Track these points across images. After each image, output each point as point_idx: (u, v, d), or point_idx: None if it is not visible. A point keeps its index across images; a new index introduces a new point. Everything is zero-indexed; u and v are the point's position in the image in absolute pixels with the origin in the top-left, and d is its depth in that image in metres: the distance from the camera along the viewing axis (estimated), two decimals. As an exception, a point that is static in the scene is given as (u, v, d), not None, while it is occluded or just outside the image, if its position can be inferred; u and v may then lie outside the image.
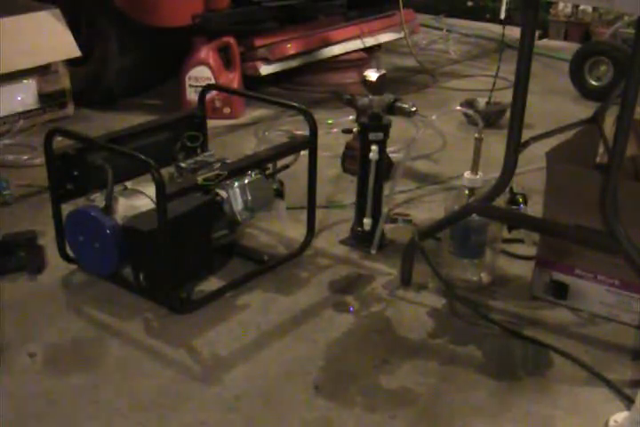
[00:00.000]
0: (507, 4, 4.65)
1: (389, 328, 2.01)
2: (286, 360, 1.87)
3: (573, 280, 2.06)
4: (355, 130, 2.32)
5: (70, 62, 3.47)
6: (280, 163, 2.27)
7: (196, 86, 3.42)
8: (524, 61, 1.77)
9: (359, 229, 2.40)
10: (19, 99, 3.30)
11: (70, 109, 3.51)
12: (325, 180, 2.74)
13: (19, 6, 3.39)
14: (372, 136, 2.27)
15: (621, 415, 1.64)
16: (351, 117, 2.97)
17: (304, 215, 2.32)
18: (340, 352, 1.91)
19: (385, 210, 2.35)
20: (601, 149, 1.90)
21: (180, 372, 1.82)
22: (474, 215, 2.08)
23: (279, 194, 2.27)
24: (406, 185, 2.79)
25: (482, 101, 3.53)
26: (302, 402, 1.73)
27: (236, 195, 2.11)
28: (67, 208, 2.10)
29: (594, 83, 3.90)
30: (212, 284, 2.17)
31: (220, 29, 3.47)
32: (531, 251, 2.26)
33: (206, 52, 3.48)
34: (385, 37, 4.15)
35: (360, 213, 2.38)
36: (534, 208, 2.18)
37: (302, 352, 1.90)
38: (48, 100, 3.41)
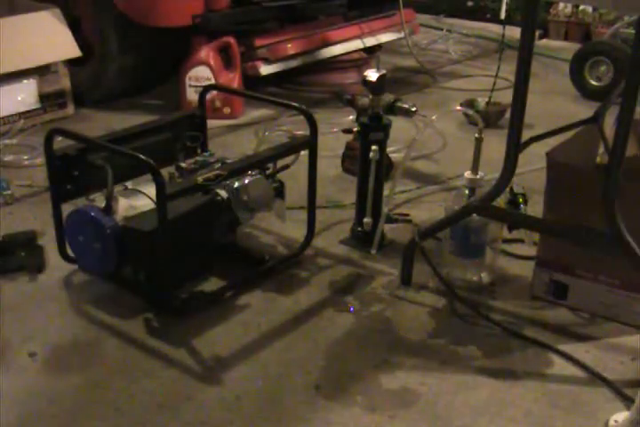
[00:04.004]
0: (507, 4, 4.66)
1: (389, 328, 2.01)
2: (286, 360, 1.87)
3: (573, 280, 2.06)
4: (355, 130, 2.32)
5: (70, 62, 3.47)
6: (280, 163, 2.27)
7: (196, 86, 3.43)
8: (524, 61, 1.77)
9: (359, 229, 2.40)
10: (19, 99, 3.31)
11: (70, 109, 3.52)
12: (325, 180, 2.74)
13: (19, 6, 3.39)
14: (372, 136, 2.27)
15: (621, 415, 1.64)
16: (351, 117, 2.97)
17: (304, 215, 2.32)
18: (340, 352, 1.91)
19: (385, 210, 2.35)
20: (601, 149, 1.89)
21: (181, 372, 1.82)
22: (474, 215, 2.08)
23: (279, 194, 2.27)
24: (406, 185, 2.79)
25: (482, 101, 3.53)
26: (302, 402, 1.73)
27: (235, 195, 2.11)
28: (67, 208, 2.10)
29: (594, 83, 3.90)
30: (212, 284, 2.17)
31: (220, 29, 3.47)
32: (531, 251, 2.26)
33: (206, 52, 3.48)
34: (385, 37, 4.15)
35: (360, 213, 2.38)
36: (534, 208, 2.18)
37: (302, 352, 1.90)
38: (48, 100, 3.41)
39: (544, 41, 5.02)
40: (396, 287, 2.19)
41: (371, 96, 2.27)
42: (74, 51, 3.43)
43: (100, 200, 2.03)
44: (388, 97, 2.28)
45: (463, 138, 3.26)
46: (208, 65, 3.47)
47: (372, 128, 2.27)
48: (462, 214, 2.08)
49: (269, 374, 1.82)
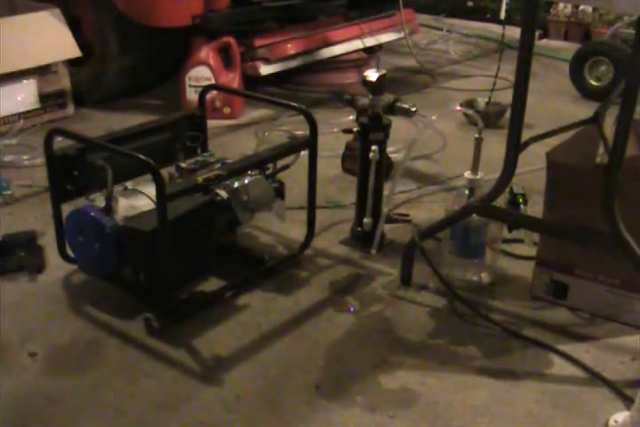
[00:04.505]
0: (507, 4, 4.66)
1: (389, 328, 2.01)
2: (286, 360, 1.87)
3: (573, 280, 2.06)
4: (355, 130, 2.32)
5: (70, 62, 3.47)
6: (280, 163, 2.27)
7: (196, 86, 3.43)
8: (524, 61, 1.77)
9: (359, 229, 2.40)
10: (19, 99, 3.31)
11: (70, 109, 3.52)
12: (325, 180, 2.74)
13: (19, 6, 3.40)
14: (372, 136, 2.27)
15: (621, 415, 1.64)
16: (351, 117, 2.97)
17: (304, 215, 2.32)
18: (340, 352, 1.91)
19: (385, 210, 2.35)
20: (601, 149, 1.89)
21: (181, 372, 1.82)
22: (474, 215, 2.08)
23: (279, 194, 2.27)
24: (406, 185, 2.79)
25: (482, 101, 3.53)
26: (302, 402, 1.73)
27: (236, 195, 2.11)
28: (67, 208, 2.10)
29: (594, 83, 3.90)
30: (212, 284, 2.17)
31: (220, 29, 3.47)
32: (531, 251, 2.26)
33: (206, 52, 3.48)
34: (385, 37, 4.14)
35: (360, 213, 2.38)
36: (534, 208, 2.18)
37: (302, 352, 1.90)
38: (48, 100, 3.41)
39: (544, 41, 5.02)
40: (395, 287, 2.19)
41: (371, 96, 2.27)
42: (74, 51, 3.43)
43: (99, 200, 2.03)
44: (387, 97, 2.28)
45: (463, 138, 3.26)
46: (208, 65, 3.47)
47: (372, 128, 2.27)
48: (462, 214, 2.08)
49: (269, 374, 1.82)
